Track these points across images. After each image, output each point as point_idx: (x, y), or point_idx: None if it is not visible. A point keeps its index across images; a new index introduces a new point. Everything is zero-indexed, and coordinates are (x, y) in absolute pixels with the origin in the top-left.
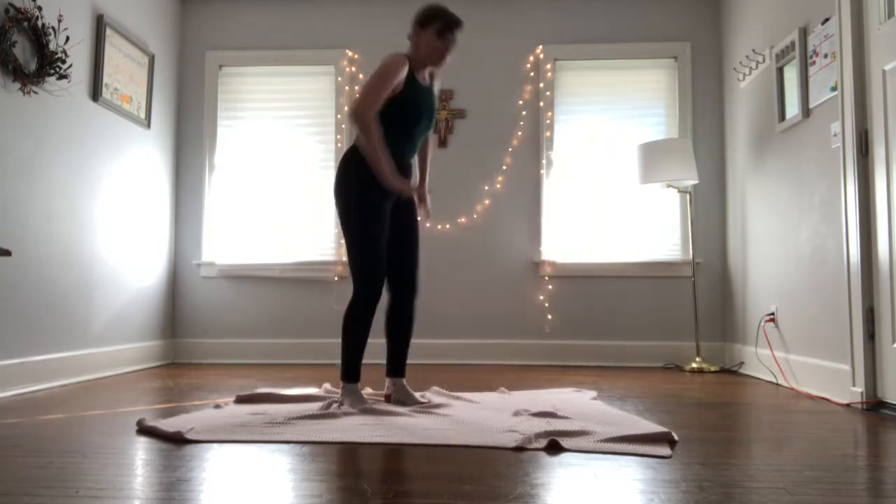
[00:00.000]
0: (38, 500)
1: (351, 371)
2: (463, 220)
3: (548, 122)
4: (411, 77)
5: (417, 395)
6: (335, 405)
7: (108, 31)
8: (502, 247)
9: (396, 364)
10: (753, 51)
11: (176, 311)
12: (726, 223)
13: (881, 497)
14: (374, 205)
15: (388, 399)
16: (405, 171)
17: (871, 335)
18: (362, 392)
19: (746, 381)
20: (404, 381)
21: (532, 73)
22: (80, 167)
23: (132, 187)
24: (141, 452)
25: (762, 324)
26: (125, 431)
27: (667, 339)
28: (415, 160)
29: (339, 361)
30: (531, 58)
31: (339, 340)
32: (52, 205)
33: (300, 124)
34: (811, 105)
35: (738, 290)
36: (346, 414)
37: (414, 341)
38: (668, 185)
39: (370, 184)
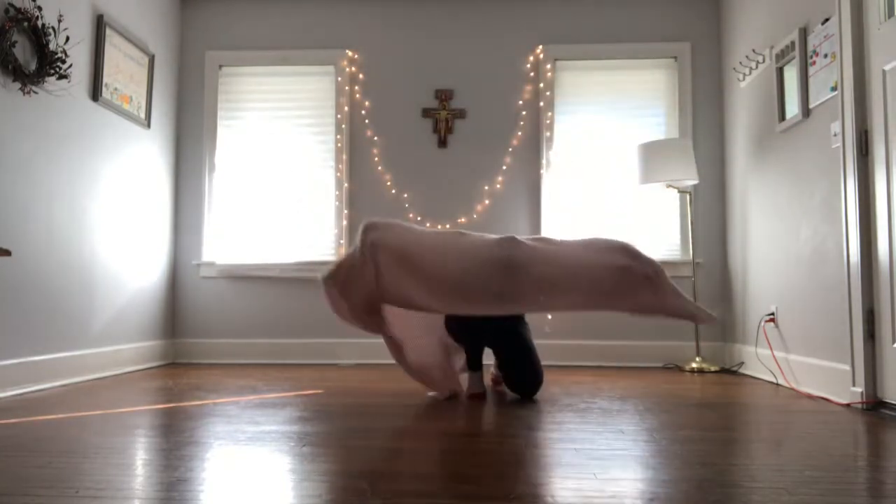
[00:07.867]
0: (38, 500)
1: None
2: (463, 220)
3: (548, 122)
4: None
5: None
6: None
7: (108, 31)
8: None
9: None
10: (753, 51)
11: (176, 312)
12: (726, 223)
13: (881, 497)
14: None
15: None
16: None
17: (871, 335)
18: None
19: (746, 381)
20: None
21: (532, 73)
22: (80, 167)
23: (132, 187)
24: (141, 452)
25: (762, 324)
26: (125, 431)
27: (667, 339)
28: None
29: (338, 361)
30: (531, 58)
31: (338, 340)
32: (52, 205)
33: (300, 124)
34: (811, 105)
35: (738, 290)
36: None
37: None
38: (669, 186)
39: None
